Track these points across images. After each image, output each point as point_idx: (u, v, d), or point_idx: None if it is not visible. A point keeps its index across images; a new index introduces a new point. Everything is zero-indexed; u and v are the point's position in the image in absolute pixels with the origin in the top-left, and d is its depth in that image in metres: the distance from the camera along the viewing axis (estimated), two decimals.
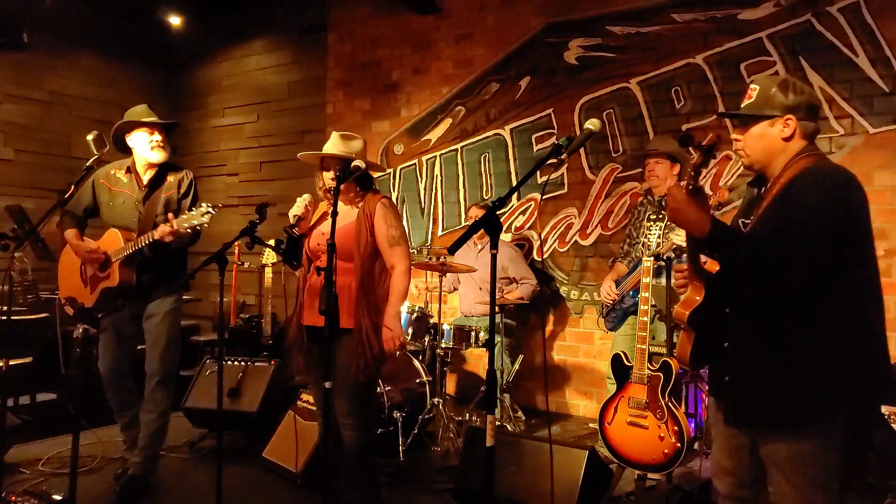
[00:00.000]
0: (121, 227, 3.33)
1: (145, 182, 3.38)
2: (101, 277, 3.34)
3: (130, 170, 3.39)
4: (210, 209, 3.01)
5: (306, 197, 2.82)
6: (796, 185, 1.80)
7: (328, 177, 2.79)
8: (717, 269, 2.01)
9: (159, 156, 3.35)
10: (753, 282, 1.81)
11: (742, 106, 1.94)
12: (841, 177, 1.79)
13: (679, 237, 3.14)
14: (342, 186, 2.72)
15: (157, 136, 3.34)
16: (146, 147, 3.32)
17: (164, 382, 3.41)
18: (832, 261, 1.73)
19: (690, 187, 1.82)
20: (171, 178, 3.41)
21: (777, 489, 1.85)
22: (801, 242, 1.72)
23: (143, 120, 3.34)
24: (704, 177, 4.61)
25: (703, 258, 2.02)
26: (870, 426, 2.03)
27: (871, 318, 1.82)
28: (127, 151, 3.44)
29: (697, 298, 1.99)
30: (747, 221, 1.95)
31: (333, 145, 2.83)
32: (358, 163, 2.65)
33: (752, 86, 1.93)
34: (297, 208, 2.79)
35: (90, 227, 3.56)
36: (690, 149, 1.87)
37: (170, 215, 3.15)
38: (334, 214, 2.41)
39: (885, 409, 3.14)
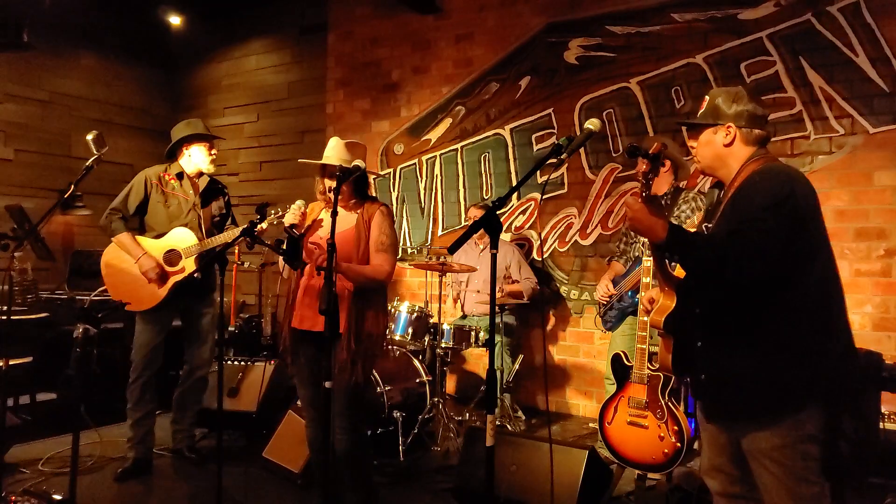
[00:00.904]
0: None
1: (201, 189, 3.71)
2: (172, 272, 3.56)
3: (183, 176, 3.68)
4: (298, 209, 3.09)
5: (300, 204, 2.80)
6: (746, 186, 1.92)
7: (329, 182, 2.79)
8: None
9: (213, 168, 3.74)
10: (714, 281, 1.90)
11: (697, 116, 2.10)
12: (785, 174, 1.89)
13: None
14: (341, 190, 2.72)
15: (215, 151, 3.73)
16: (205, 160, 3.69)
17: (207, 372, 3.83)
18: (785, 254, 1.80)
19: (643, 195, 1.89)
20: (220, 187, 3.84)
21: (762, 484, 1.89)
22: (754, 239, 1.79)
23: (207, 134, 3.69)
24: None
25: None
26: (841, 415, 2.10)
27: (832, 307, 1.89)
28: (172, 156, 3.72)
29: (670, 304, 2.06)
30: (710, 225, 2.06)
31: (335, 153, 2.81)
32: (358, 162, 2.66)
33: (705, 97, 2.09)
34: (293, 217, 2.76)
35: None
36: (639, 158, 1.94)
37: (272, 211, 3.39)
38: (334, 215, 2.41)
39: (884, 409, 3.15)
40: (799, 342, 1.83)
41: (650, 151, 1.90)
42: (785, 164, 2.00)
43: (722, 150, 2.00)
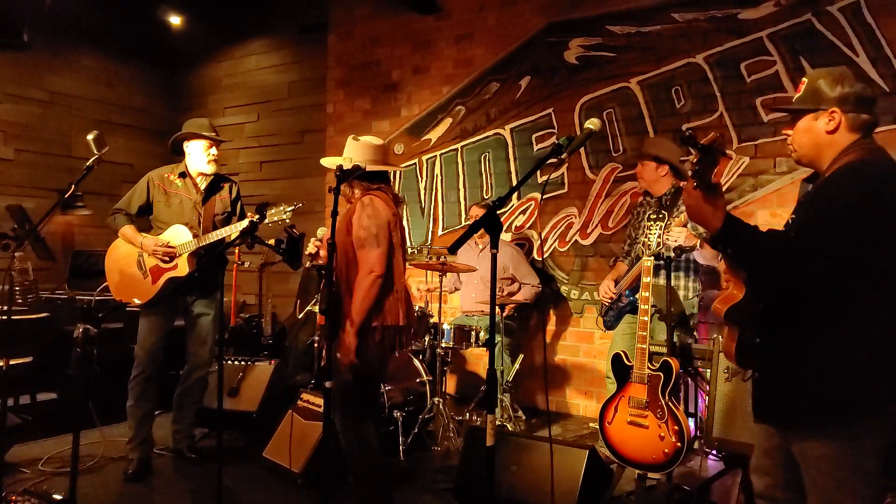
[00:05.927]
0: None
1: (202, 188, 3.72)
2: (165, 268, 3.57)
3: (185, 175, 3.70)
4: (292, 207, 3.15)
5: (320, 234, 2.91)
6: (832, 179, 1.75)
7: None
8: None
9: (212, 168, 3.70)
10: (771, 278, 1.78)
11: (793, 100, 1.92)
12: (880, 171, 1.72)
13: (671, 238, 3.15)
14: (343, 188, 2.73)
15: (214, 151, 3.69)
16: (202, 158, 3.66)
17: (207, 372, 3.82)
18: (861, 261, 1.66)
19: (695, 185, 1.77)
20: (224, 185, 3.81)
21: (808, 491, 1.79)
22: (824, 239, 1.66)
23: (204, 133, 3.66)
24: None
25: None
26: None
27: None
28: (179, 153, 3.76)
29: (737, 294, 1.95)
30: (794, 217, 1.92)
31: (344, 150, 2.83)
32: (359, 162, 2.66)
33: (803, 79, 1.90)
34: (310, 248, 2.85)
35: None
36: (690, 148, 1.84)
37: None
38: (334, 215, 2.41)
39: None
40: (865, 355, 1.69)
41: (702, 142, 1.83)
42: (889, 158, 1.76)
43: (823, 137, 1.81)
